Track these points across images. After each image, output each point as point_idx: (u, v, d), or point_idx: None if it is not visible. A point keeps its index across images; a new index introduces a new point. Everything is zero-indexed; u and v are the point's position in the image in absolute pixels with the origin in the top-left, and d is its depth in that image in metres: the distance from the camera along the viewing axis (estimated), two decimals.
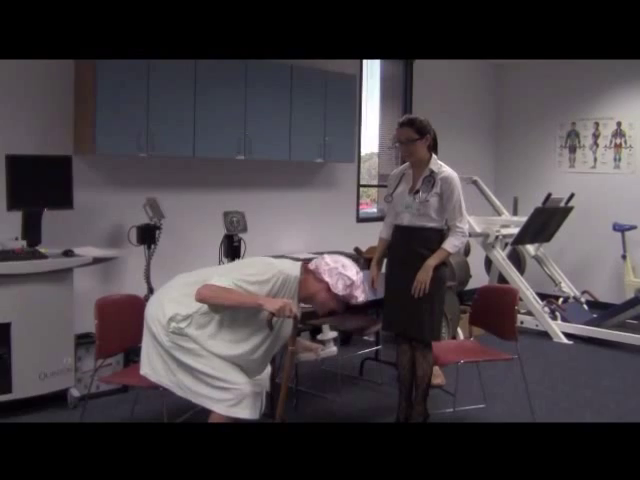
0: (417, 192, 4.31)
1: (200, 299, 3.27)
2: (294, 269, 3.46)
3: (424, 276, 4.22)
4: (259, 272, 3.35)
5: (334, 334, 3.77)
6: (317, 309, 3.57)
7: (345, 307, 3.54)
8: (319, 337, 3.78)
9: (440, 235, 4.34)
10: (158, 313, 3.39)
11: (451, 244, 4.28)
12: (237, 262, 3.40)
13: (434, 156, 4.37)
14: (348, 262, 3.49)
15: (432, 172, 4.30)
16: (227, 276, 3.30)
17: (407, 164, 4.48)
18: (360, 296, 3.45)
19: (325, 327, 3.79)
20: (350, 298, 3.44)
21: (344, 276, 3.40)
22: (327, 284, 3.40)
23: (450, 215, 4.30)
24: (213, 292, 3.24)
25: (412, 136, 4.27)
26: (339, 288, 3.39)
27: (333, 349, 3.74)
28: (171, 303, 3.38)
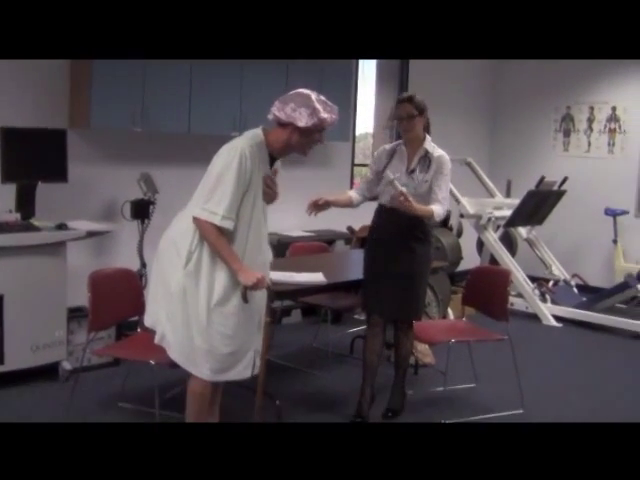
0: (413, 172, 4.26)
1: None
2: (255, 135, 3.44)
3: (409, 204, 3.99)
4: (225, 164, 3.30)
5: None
6: (301, 153, 3.55)
7: (323, 134, 3.50)
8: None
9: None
10: (172, 254, 3.39)
11: (437, 210, 4.16)
12: (208, 172, 3.36)
13: (428, 137, 4.34)
14: (299, 94, 3.43)
15: (427, 152, 4.27)
16: (210, 201, 3.29)
17: (397, 142, 4.43)
18: (329, 117, 3.41)
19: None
20: (322, 123, 3.40)
21: (303, 107, 3.36)
22: (292, 124, 3.37)
23: (436, 189, 4.21)
24: (208, 237, 3.30)
25: (412, 112, 4.22)
26: (304, 120, 3.35)
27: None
28: (181, 238, 3.38)
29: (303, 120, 3.35)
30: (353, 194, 4.53)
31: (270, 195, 3.55)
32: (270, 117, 3.44)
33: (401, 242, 4.29)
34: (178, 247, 3.36)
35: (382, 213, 4.39)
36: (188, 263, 3.33)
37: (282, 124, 3.41)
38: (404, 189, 4.02)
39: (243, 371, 3.52)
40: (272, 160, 3.50)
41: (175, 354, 3.42)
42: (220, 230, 3.29)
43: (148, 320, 3.54)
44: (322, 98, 3.43)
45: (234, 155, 3.29)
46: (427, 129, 4.39)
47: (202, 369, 3.40)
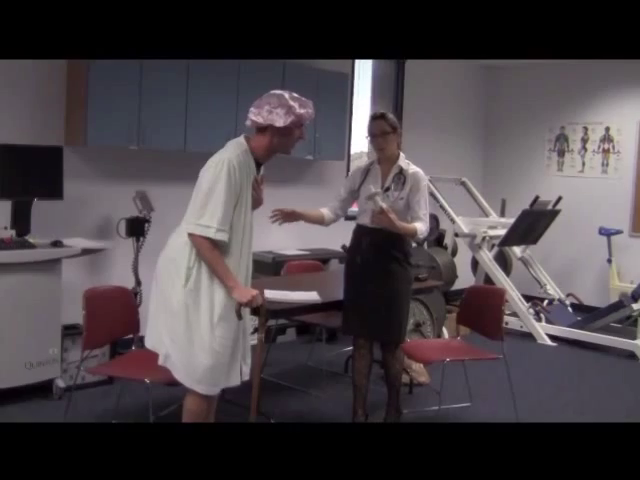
0: (387, 189, 4.23)
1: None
2: (239, 143, 3.45)
3: (390, 221, 3.99)
4: (214, 177, 3.30)
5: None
6: (285, 152, 3.57)
7: (303, 129, 3.51)
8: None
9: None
10: (171, 273, 3.38)
11: (420, 228, 4.15)
12: (197, 187, 3.38)
13: (402, 154, 4.32)
14: (272, 95, 3.44)
15: (402, 169, 4.25)
16: (202, 216, 3.29)
17: (372, 160, 4.41)
18: (305, 112, 3.43)
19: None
20: (299, 119, 3.43)
21: (278, 108, 3.38)
22: (270, 126, 3.38)
23: (416, 206, 4.21)
24: (204, 253, 3.30)
25: (386, 129, 4.22)
26: (282, 120, 3.37)
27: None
28: (178, 256, 3.37)
29: (281, 120, 3.37)
30: (325, 212, 4.46)
31: (256, 200, 3.57)
32: (248, 123, 3.46)
33: (380, 263, 4.26)
34: (177, 265, 3.36)
35: (360, 234, 4.37)
36: (188, 281, 3.33)
37: (261, 128, 3.43)
38: (385, 205, 4.00)
39: (234, 378, 3.51)
40: (257, 166, 3.52)
41: (180, 374, 3.40)
42: (215, 244, 3.29)
43: (149, 341, 3.50)
44: (295, 95, 3.45)
45: (222, 167, 3.30)
46: (400, 147, 4.36)
47: (205, 385, 3.39)
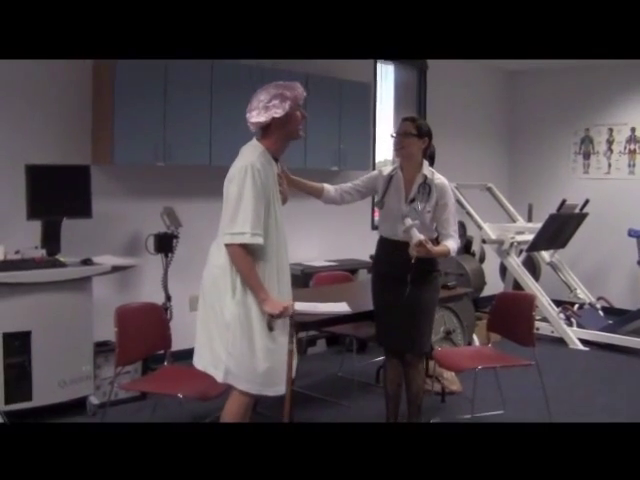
0: (413, 201, 4.15)
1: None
2: (255, 146, 3.49)
3: (428, 251, 3.95)
4: (240, 184, 3.35)
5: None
6: (296, 137, 3.59)
7: (302, 109, 3.55)
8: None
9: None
10: (219, 287, 3.41)
11: (452, 247, 4.13)
12: (225, 198, 3.45)
13: (425, 162, 4.22)
14: (261, 92, 3.47)
15: (426, 178, 4.15)
16: (234, 226, 3.33)
17: (394, 166, 4.31)
18: (297, 93, 3.47)
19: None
20: (295, 102, 3.47)
21: (273, 100, 3.41)
22: (273, 119, 3.43)
23: (445, 223, 4.18)
24: (239, 263, 3.35)
25: (410, 130, 4.13)
26: (281, 109, 3.41)
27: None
28: (222, 269, 3.41)
29: (280, 109, 3.41)
30: (328, 187, 4.34)
31: (282, 194, 3.64)
32: (252, 128, 3.51)
33: (406, 275, 4.12)
34: (223, 280, 3.40)
35: (385, 246, 4.32)
36: (235, 291, 3.37)
37: (265, 127, 3.47)
38: (422, 237, 3.93)
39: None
40: (275, 162, 3.58)
41: (243, 384, 3.42)
42: (247, 251, 3.33)
43: (199, 362, 3.52)
44: (279, 82, 3.50)
45: (245, 173, 3.35)
46: (426, 156, 4.25)
47: (271, 387, 3.44)
